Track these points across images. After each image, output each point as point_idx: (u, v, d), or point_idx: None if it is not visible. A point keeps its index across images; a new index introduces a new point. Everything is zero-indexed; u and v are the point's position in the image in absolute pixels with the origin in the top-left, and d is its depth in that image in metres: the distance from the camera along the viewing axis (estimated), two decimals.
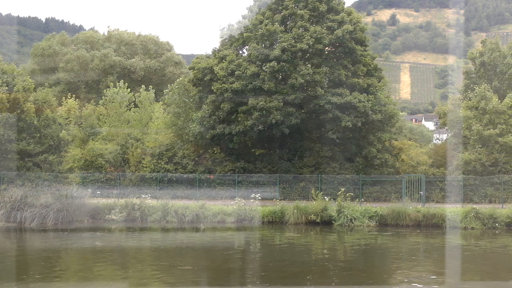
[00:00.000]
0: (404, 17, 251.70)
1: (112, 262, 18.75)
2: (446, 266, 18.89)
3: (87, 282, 15.50)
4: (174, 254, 20.68)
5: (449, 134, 38.36)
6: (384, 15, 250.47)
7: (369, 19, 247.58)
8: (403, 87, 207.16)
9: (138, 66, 54.14)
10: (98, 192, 31.34)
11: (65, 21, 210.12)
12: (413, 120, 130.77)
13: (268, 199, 31.62)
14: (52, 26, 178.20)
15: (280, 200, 31.57)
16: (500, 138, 33.52)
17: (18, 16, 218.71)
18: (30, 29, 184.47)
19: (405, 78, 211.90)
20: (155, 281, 15.90)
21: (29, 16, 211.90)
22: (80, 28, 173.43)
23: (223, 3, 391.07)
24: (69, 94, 44.06)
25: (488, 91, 34.46)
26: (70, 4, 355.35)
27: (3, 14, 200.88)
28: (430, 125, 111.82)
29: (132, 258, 19.81)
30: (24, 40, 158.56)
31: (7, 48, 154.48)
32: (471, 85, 36.07)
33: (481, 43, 38.90)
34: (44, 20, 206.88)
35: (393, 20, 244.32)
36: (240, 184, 33.85)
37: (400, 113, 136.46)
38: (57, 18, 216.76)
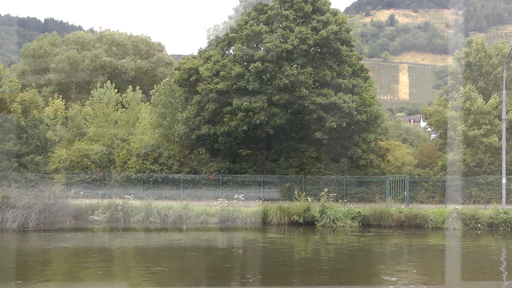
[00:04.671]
0: (403, 17, 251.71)
1: (84, 263, 18.67)
2: (422, 267, 18.81)
3: (50, 282, 15.45)
4: (151, 255, 20.58)
5: (435, 135, 38.40)
6: (382, 15, 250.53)
7: (367, 20, 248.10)
8: (402, 88, 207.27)
9: (129, 66, 54.10)
10: (82, 192, 31.32)
11: (64, 22, 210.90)
12: (412, 120, 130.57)
13: (252, 200, 31.59)
14: (51, 26, 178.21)
15: (264, 200, 31.52)
16: (484, 139, 33.49)
17: (17, 16, 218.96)
18: (29, 29, 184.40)
19: (404, 78, 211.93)
20: (119, 282, 15.83)
21: (28, 17, 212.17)
22: (79, 28, 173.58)
23: (215, 3, 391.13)
24: (56, 94, 44.02)
25: (473, 91, 34.44)
26: (69, 5, 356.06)
27: (2, 14, 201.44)
28: None
29: (106, 259, 19.74)
30: (23, 40, 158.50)
31: (5, 48, 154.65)
32: (457, 86, 36.02)
33: (467, 43, 38.88)
34: (43, 21, 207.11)
35: (391, 21, 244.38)
36: (225, 184, 33.84)
37: (399, 113, 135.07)
38: (56, 19, 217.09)
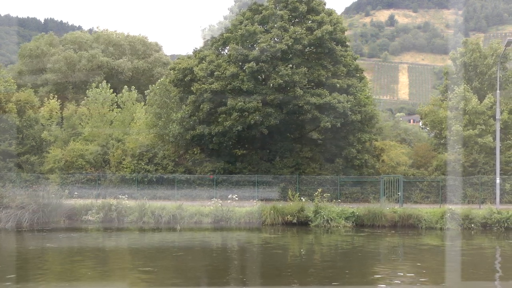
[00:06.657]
0: (403, 17, 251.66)
1: (73, 263, 18.65)
2: (415, 266, 18.76)
3: (41, 282, 15.43)
4: (142, 255, 20.56)
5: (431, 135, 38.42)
6: (382, 15, 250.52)
7: (367, 20, 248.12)
8: (401, 88, 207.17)
9: (126, 66, 54.07)
10: (76, 193, 31.30)
11: (63, 22, 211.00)
12: (411, 120, 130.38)
13: (247, 200, 31.56)
14: (51, 26, 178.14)
15: (257, 201, 31.46)
16: (479, 139, 33.46)
17: (17, 16, 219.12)
18: (29, 29, 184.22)
19: (403, 78, 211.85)
20: (109, 282, 15.81)
21: (28, 17, 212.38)
22: (79, 28, 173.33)
23: (210, 4, 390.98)
24: (53, 94, 44.03)
25: (468, 91, 34.42)
26: (69, 5, 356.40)
27: (2, 14, 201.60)
28: None
29: (96, 260, 19.69)
30: (23, 40, 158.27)
31: (5, 48, 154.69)
32: (452, 86, 36.01)
33: (462, 43, 38.86)
34: (43, 21, 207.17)
35: (391, 21, 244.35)
36: (220, 184, 33.82)
37: (398, 113, 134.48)
38: (56, 19, 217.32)
